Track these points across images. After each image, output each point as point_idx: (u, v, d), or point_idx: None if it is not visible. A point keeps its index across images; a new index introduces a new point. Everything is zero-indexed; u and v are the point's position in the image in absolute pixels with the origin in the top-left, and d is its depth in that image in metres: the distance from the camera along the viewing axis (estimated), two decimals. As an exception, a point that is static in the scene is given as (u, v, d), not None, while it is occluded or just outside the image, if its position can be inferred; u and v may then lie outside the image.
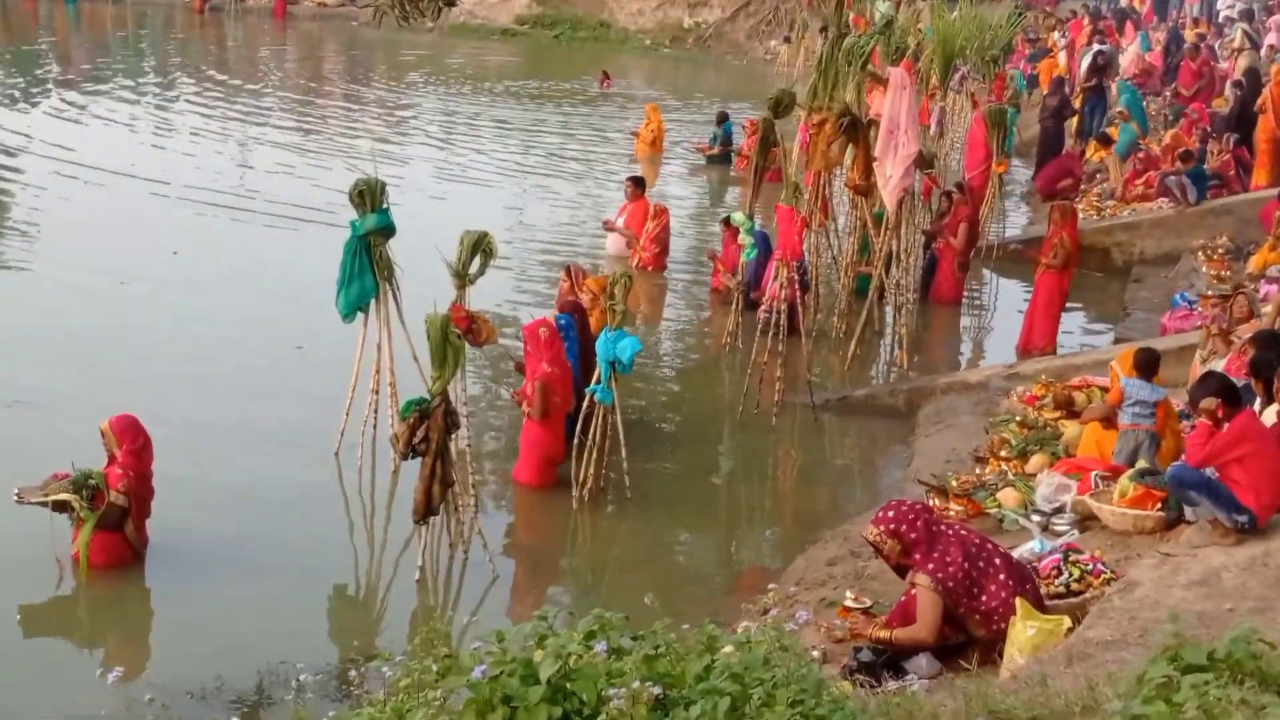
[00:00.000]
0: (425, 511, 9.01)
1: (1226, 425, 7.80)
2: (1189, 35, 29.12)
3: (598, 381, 10.30)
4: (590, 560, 10.20)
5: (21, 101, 25.95)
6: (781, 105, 13.66)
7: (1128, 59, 27.58)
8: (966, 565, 7.16)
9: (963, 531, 7.47)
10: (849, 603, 7.88)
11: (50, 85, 28.24)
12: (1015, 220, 21.02)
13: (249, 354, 12.98)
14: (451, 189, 20.93)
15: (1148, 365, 9.82)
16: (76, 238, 16.68)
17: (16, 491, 8.82)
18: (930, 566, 7.18)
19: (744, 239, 13.81)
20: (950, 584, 7.13)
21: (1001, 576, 7.18)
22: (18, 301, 14.22)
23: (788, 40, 36.99)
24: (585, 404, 10.44)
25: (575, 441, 10.52)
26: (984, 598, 7.16)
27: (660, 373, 13.75)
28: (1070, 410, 11.07)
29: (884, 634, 7.26)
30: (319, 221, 16.86)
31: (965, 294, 16.53)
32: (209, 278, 15.25)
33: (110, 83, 28.85)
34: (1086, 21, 31.50)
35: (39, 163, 20.58)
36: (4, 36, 36.56)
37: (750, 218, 13.87)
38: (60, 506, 8.79)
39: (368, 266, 10.43)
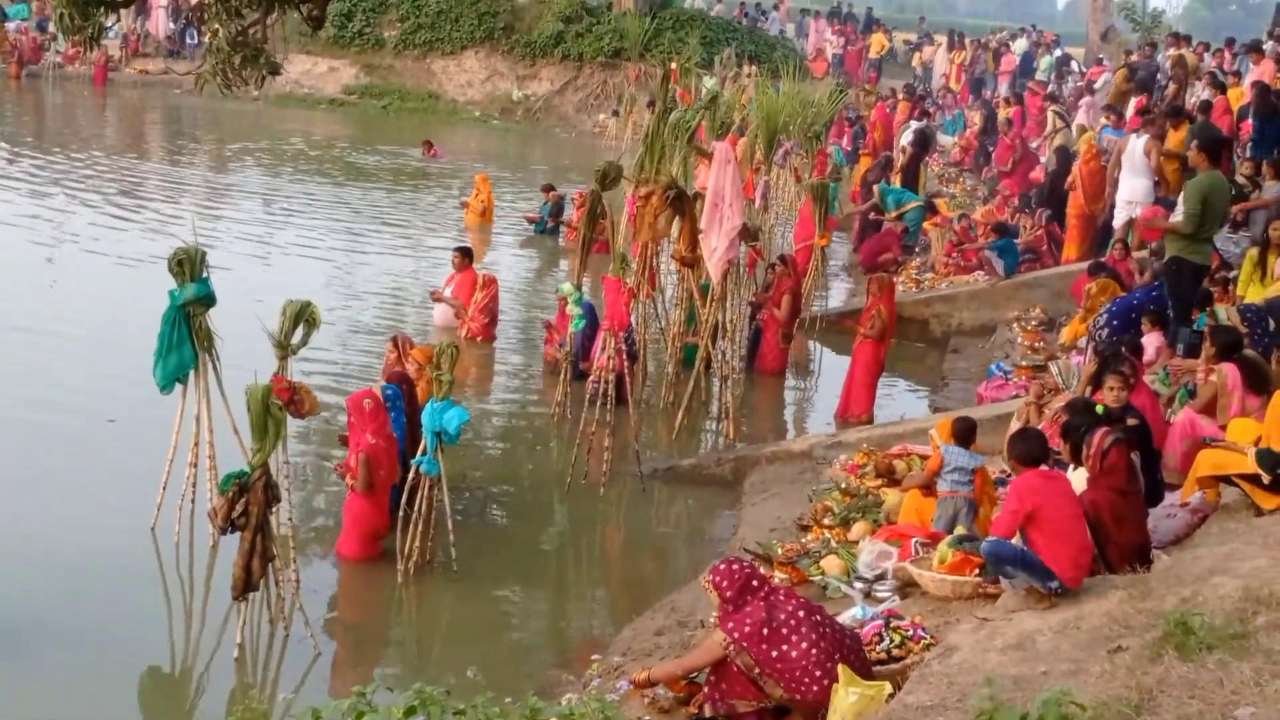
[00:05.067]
0: (245, 587, 8.80)
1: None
2: (1002, 114, 30.13)
3: (424, 453, 10.20)
4: (415, 635, 10.05)
5: None
6: (609, 178, 13.79)
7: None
8: (766, 631, 7.30)
9: (780, 597, 7.56)
10: (675, 673, 7.88)
11: None
12: (837, 292, 21.47)
13: (58, 428, 12.55)
14: (275, 259, 20.65)
15: (965, 433, 10.07)
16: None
17: None
18: (729, 625, 7.42)
19: (572, 310, 13.86)
20: (745, 643, 7.32)
21: (804, 645, 7.28)
22: None
23: (616, 114, 37.37)
24: (411, 475, 10.33)
25: (400, 514, 10.39)
26: (779, 663, 7.27)
27: (488, 443, 13.67)
28: (891, 478, 11.29)
29: (643, 675, 7.78)
30: (132, 291, 16.46)
31: (789, 364, 16.77)
32: (15, 348, 14.77)
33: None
34: (903, 99, 32.38)
35: None
36: None
37: (578, 288, 13.93)
38: None
39: (186, 337, 10.22)
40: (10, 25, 42.44)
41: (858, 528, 10.34)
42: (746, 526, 11.35)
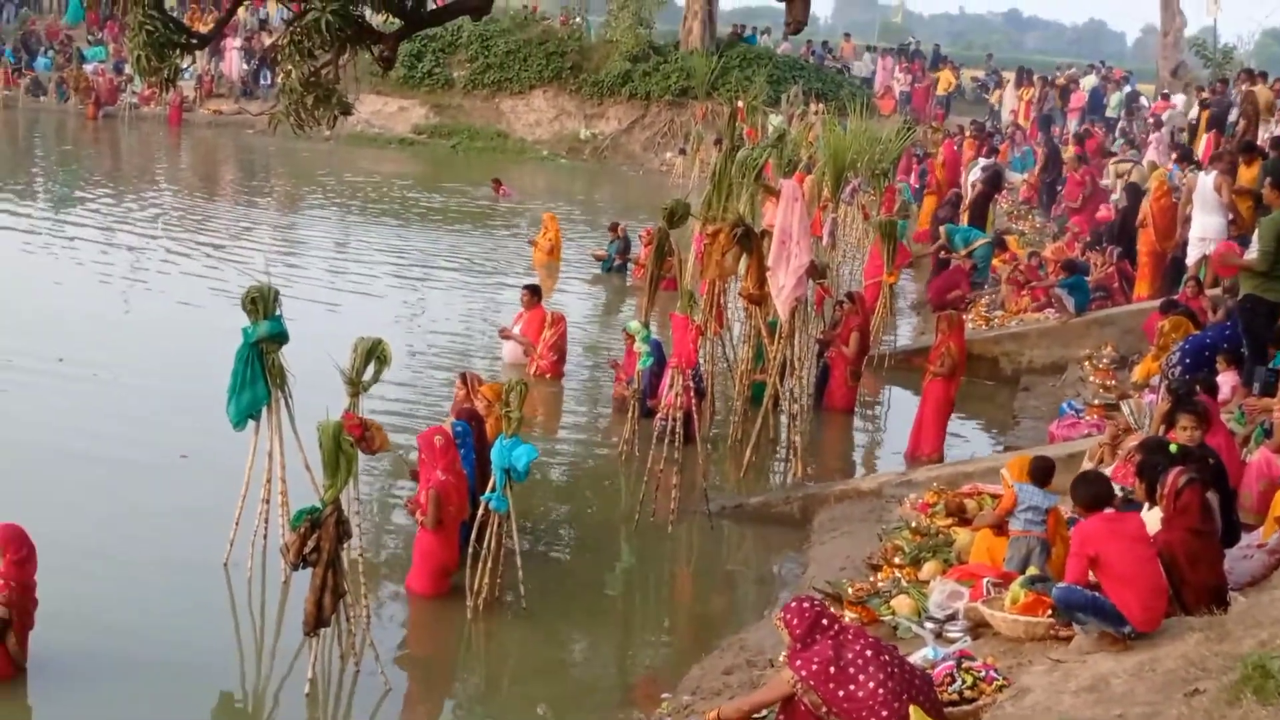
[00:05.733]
0: (316, 623, 8.85)
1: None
2: (1068, 152, 29.95)
3: (493, 489, 10.24)
4: (484, 671, 10.07)
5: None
6: (676, 215, 13.83)
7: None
8: (833, 669, 7.25)
9: (849, 636, 7.51)
10: (745, 712, 7.84)
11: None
12: (905, 330, 21.38)
13: (131, 464, 12.73)
14: (346, 297, 20.84)
15: (1042, 473, 9.94)
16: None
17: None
18: (797, 663, 7.37)
19: (639, 347, 13.89)
20: (812, 681, 7.27)
21: (872, 685, 7.21)
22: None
23: (683, 152, 37.50)
24: (480, 512, 10.36)
25: (470, 550, 10.43)
26: (846, 702, 7.22)
27: (556, 480, 13.70)
28: (962, 517, 11.18)
29: (712, 715, 7.62)
30: (205, 328, 16.67)
31: (858, 402, 16.71)
32: (89, 384, 14.99)
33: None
34: (970, 136, 32.26)
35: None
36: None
37: (645, 326, 13.96)
38: (-63, 619, 8.54)
39: (260, 374, 10.34)
40: (88, 67, 43.32)
41: (928, 567, 10.25)
42: (816, 565, 11.29)
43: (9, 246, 22.35)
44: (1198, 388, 11.16)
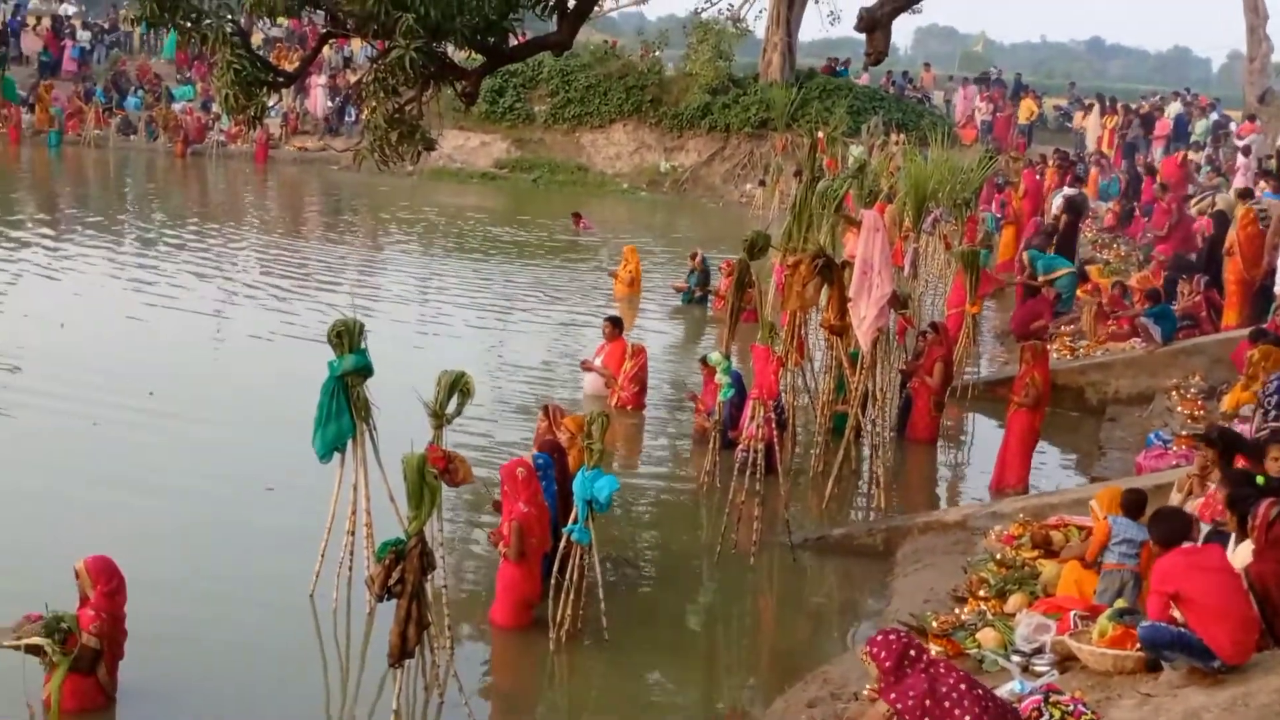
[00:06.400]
0: (400, 654, 8.89)
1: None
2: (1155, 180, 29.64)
3: (575, 521, 10.26)
4: (567, 703, 10.09)
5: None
6: (757, 247, 13.82)
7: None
8: (929, 703, 7.18)
9: (941, 669, 7.44)
10: (829, 745, 7.80)
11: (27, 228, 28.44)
12: (989, 360, 21.21)
13: (218, 496, 12.89)
14: (429, 329, 21.04)
15: (1136, 505, 9.83)
16: (44, 373, 16.56)
17: (-12, 635, 8.73)
18: (892, 696, 7.30)
19: (720, 379, 13.88)
20: (908, 716, 7.21)
21: (967, 719, 7.14)
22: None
23: (762, 184, 37.48)
24: (563, 544, 10.39)
25: (552, 582, 10.46)
26: None
27: (638, 512, 13.70)
28: (1048, 549, 11.05)
29: None
30: (291, 361, 16.88)
31: (941, 433, 16.58)
32: (180, 419, 15.21)
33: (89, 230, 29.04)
34: (1052, 166, 32.04)
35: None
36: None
37: (726, 357, 13.95)
38: (32, 650, 8.68)
39: (345, 407, 10.46)
40: (177, 106, 44.15)
41: (1014, 600, 10.14)
42: (899, 598, 11.21)
43: (98, 284, 22.74)
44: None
